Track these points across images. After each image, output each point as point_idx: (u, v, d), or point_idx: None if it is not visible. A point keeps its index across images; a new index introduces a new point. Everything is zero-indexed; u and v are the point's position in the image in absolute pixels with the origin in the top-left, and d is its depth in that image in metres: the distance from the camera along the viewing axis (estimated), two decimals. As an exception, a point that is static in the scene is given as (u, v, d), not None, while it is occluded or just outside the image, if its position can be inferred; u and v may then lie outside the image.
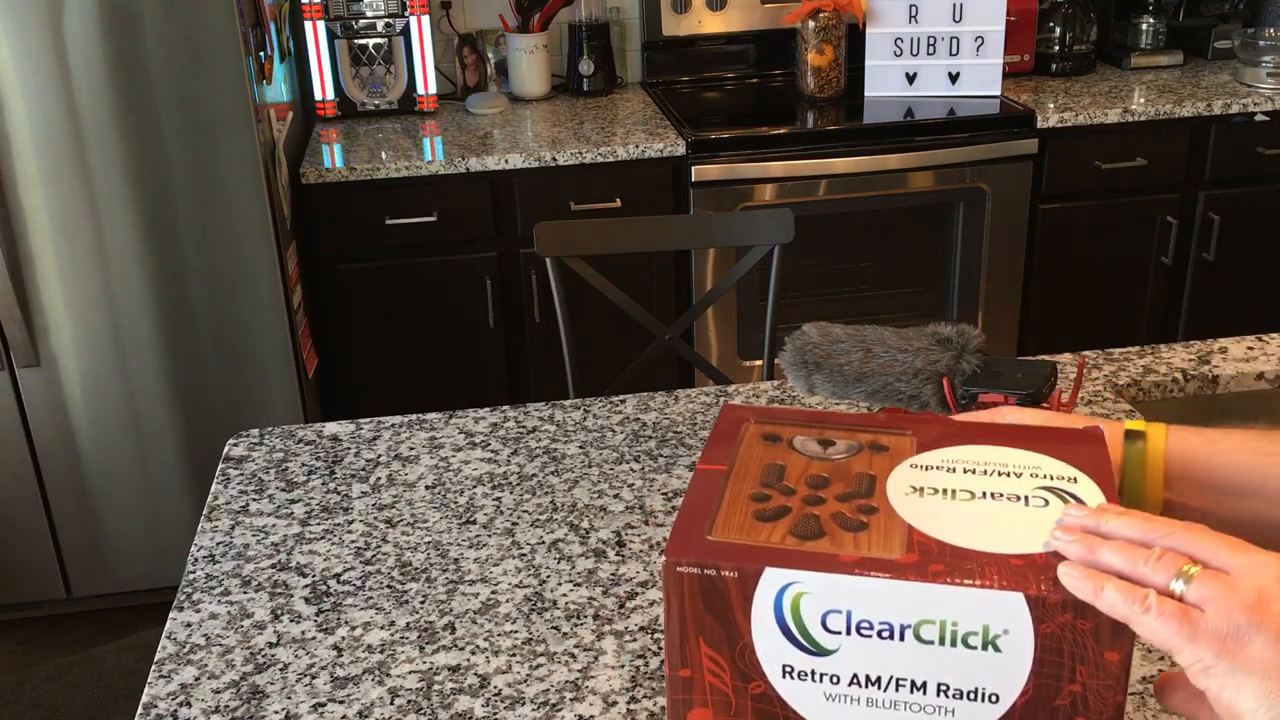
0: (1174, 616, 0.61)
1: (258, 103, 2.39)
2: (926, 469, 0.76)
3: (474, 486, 1.35)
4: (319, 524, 1.30)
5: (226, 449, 1.47)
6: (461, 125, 2.95)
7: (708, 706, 0.71)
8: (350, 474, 1.40)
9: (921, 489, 0.73)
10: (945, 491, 0.73)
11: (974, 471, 0.75)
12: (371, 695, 1.04)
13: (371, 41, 2.97)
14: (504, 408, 1.53)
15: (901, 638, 0.66)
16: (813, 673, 0.69)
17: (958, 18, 2.92)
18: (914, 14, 2.94)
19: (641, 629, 1.10)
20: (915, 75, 2.99)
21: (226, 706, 1.03)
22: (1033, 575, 0.65)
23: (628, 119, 2.94)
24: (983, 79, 2.96)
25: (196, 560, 1.25)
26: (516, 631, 1.11)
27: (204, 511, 1.34)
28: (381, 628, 1.12)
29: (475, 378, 2.86)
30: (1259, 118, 2.88)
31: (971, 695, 0.67)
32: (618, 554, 1.22)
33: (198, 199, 2.41)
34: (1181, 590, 0.62)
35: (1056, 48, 3.16)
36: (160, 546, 2.66)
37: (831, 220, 2.87)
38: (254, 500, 1.35)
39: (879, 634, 0.66)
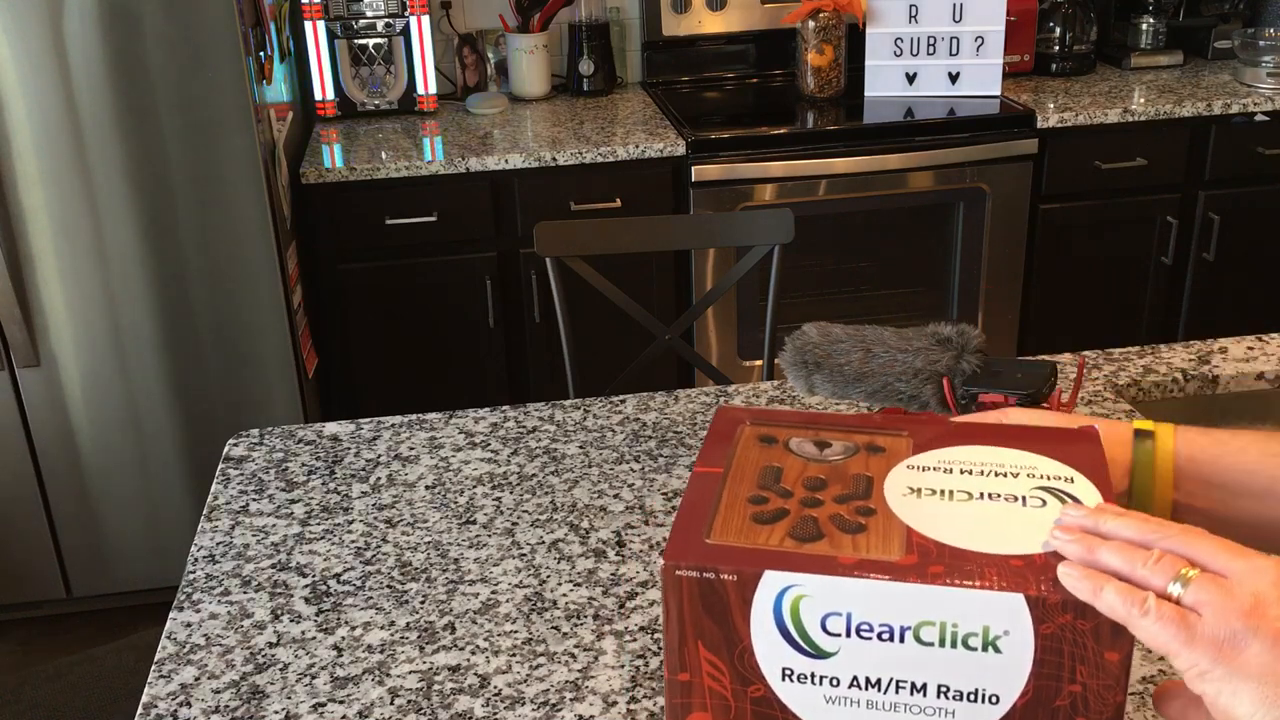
0: (1172, 620, 0.61)
1: (258, 103, 2.39)
2: (923, 470, 0.75)
3: (474, 486, 1.35)
4: (319, 524, 1.30)
5: (226, 449, 1.47)
6: (461, 125, 2.95)
7: (707, 710, 0.71)
8: (350, 474, 1.40)
9: (919, 490, 0.73)
10: (943, 492, 0.73)
11: (971, 472, 0.75)
12: (371, 695, 1.04)
13: (371, 41, 2.97)
14: (504, 408, 1.53)
15: (901, 639, 0.66)
16: (812, 675, 0.69)
17: (958, 18, 2.92)
18: (914, 14, 2.94)
19: (641, 629, 1.10)
20: (915, 75, 2.99)
21: (226, 706, 1.04)
22: (1032, 576, 0.65)
23: (628, 119, 2.94)
24: (983, 79, 2.96)
25: (196, 560, 1.25)
26: (516, 631, 1.11)
27: (204, 511, 1.34)
28: (381, 628, 1.12)
29: (475, 378, 2.86)
30: (1259, 118, 2.88)
31: (972, 696, 0.67)
32: (618, 554, 1.22)
33: (198, 199, 2.41)
34: (1179, 593, 0.62)
35: (1056, 48, 3.16)
36: (160, 546, 2.66)
37: (831, 220, 2.87)
38: (254, 500, 1.35)
39: (879, 636, 0.66)
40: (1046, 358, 1.33)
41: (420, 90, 3.02)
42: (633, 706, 1.01)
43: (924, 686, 0.67)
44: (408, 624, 1.13)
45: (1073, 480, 0.73)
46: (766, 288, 2.02)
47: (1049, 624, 0.64)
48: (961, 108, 2.91)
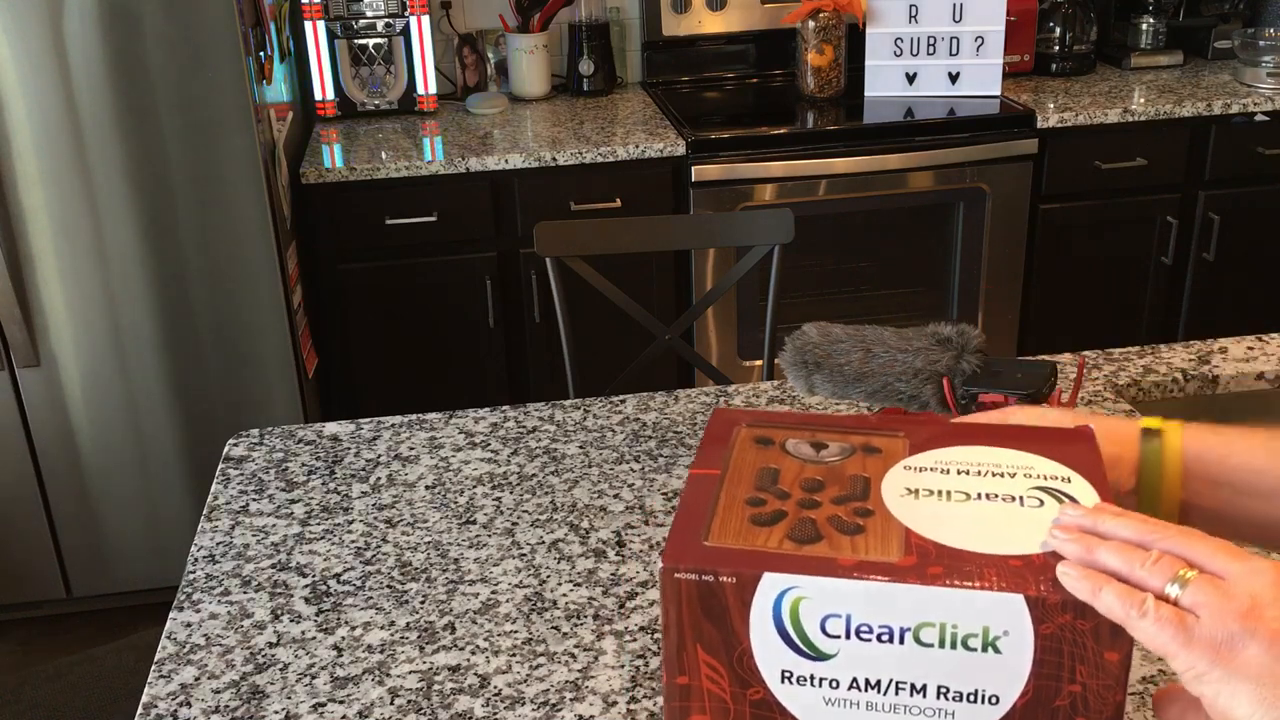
0: (1169, 622, 0.61)
1: (258, 103, 2.39)
2: (920, 471, 0.75)
3: (474, 486, 1.36)
4: (319, 524, 1.30)
5: (226, 449, 1.47)
6: (461, 125, 2.95)
7: (706, 714, 0.71)
8: (350, 474, 1.40)
9: (916, 491, 0.73)
10: (940, 493, 0.73)
11: (968, 473, 0.75)
12: (371, 695, 1.04)
13: (371, 41, 2.97)
14: (504, 408, 1.53)
15: (901, 641, 0.66)
16: (812, 677, 0.69)
17: (958, 18, 2.92)
18: (914, 14, 2.94)
19: (641, 629, 1.10)
20: (915, 75, 2.99)
21: (226, 706, 1.04)
22: (1032, 576, 0.65)
23: (628, 119, 2.94)
24: (983, 79, 2.96)
25: (196, 560, 1.25)
26: (516, 631, 1.11)
27: (204, 511, 1.34)
28: (381, 628, 1.12)
29: (475, 378, 2.86)
30: (1259, 118, 2.88)
31: (971, 697, 0.67)
32: (618, 554, 1.22)
33: (198, 199, 2.41)
34: (1176, 594, 0.62)
35: (1056, 48, 3.16)
36: (160, 546, 2.66)
37: (831, 220, 2.87)
38: (254, 500, 1.35)
39: (878, 637, 0.66)
40: (1046, 358, 1.33)
41: (420, 90, 3.02)
42: (633, 706, 1.01)
43: (923, 688, 0.67)
44: (408, 624, 1.13)
45: (1069, 480, 0.73)
46: (766, 288, 2.02)
47: (1048, 624, 0.64)
48: (961, 108, 2.91)
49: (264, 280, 2.49)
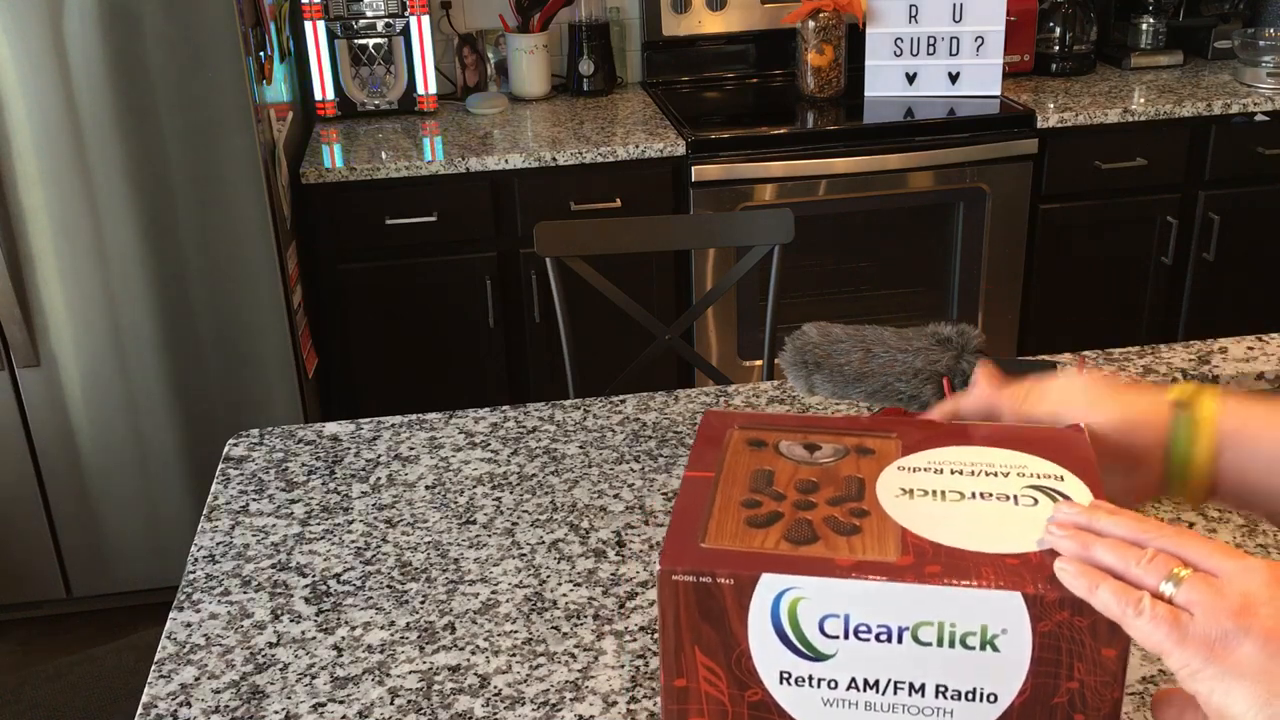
0: (1164, 620, 0.61)
1: (258, 103, 2.40)
2: (914, 471, 0.76)
3: (474, 486, 1.36)
4: (319, 524, 1.30)
5: (226, 449, 1.47)
6: (461, 125, 2.95)
7: (704, 716, 0.71)
8: (350, 474, 1.40)
9: (911, 491, 0.73)
10: (935, 493, 0.73)
11: (961, 472, 0.75)
12: (371, 695, 1.04)
13: (371, 41, 2.97)
14: (504, 408, 1.53)
15: (899, 640, 0.66)
16: (810, 678, 0.69)
17: (958, 18, 2.92)
18: (914, 14, 2.94)
19: (641, 629, 1.10)
20: (915, 75, 2.99)
21: (226, 706, 1.04)
22: (1029, 574, 0.65)
23: (628, 119, 2.94)
24: (983, 79, 2.96)
25: (196, 560, 1.25)
26: (516, 631, 1.11)
27: (204, 511, 1.34)
28: (381, 628, 1.12)
29: (475, 378, 2.86)
30: (1259, 118, 2.88)
31: (970, 696, 0.67)
32: (618, 554, 1.22)
33: (198, 199, 2.41)
34: (1171, 592, 0.62)
35: (1056, 48, 3.16)
36: (160, 546, 2.66)
37: (831, 220, 2.87)
38: (254, 500, 1.36)
39: (877, 637, 0.67)
40: (1046, 358, 1.33)
41: (420, 90, 3.02)
42: (633, 706, 1.01)
43: (922, 687, 0.67)
44: (408, 624, 1.13)
45: (1063, 478, 0.73)
46: (766, 288, 2.02)
47: (1046, 622, 0.64)
48: (961, 108, 2.91)
49: (264, 280, 2.49)
